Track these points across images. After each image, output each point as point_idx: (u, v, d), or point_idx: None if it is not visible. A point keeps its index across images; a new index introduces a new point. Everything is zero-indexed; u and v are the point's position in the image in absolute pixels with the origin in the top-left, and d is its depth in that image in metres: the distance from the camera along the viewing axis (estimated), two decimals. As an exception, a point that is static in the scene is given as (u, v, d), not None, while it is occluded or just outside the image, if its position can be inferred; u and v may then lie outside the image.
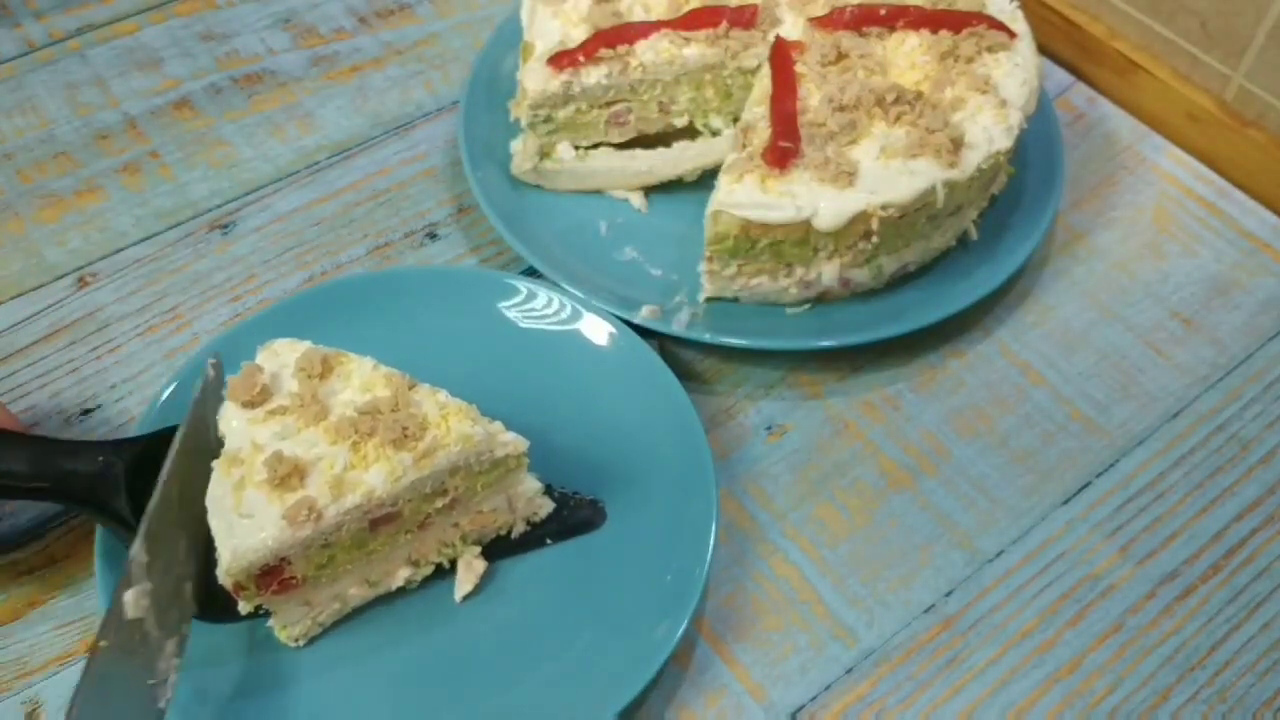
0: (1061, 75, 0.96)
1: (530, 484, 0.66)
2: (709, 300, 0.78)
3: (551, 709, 0.62)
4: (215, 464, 0.60)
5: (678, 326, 0.75)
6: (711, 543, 0.65)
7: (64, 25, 0.99)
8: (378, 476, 0.59)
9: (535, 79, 0.79)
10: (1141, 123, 0.92)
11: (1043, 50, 0.81)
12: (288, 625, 0.63)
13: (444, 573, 0.67)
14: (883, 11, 0.79)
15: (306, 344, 0.64)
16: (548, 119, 0.81)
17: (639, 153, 0.84)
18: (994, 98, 0.75)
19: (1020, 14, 0.81)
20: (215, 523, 0.58)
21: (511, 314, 0.76)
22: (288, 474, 0.58)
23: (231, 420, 0.61)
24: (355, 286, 0.76)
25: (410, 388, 0.62)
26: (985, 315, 0.81)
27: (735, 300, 0.78)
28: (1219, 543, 0.71)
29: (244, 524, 0.58)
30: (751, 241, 0.73)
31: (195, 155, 0.90)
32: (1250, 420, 0.76)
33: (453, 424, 0.61)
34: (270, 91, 0.94)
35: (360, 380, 0.63)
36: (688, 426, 0.70)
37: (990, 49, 0.78)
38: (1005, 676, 0.66)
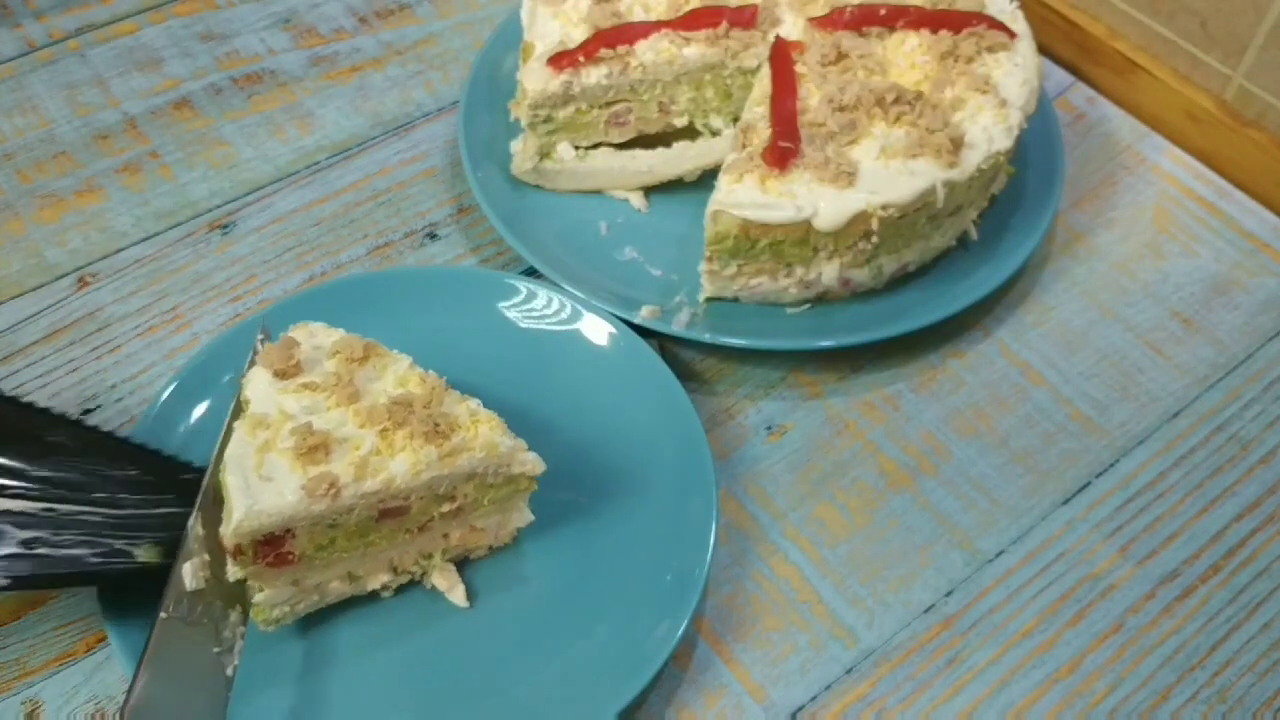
0: (1061, 75, 0.96)
1: (525, 514, 0.66)
2: (709, 300, 0.78)
3: (551, 709, 0.62)
4: (238, 424, 0.60)
5: (678, 326, 0.75)
6: (711, 543, 0.65)
7: (64, 25, 0.99)
8: (401, 466, 0.59)
9: (535, 79, 0.79)
10: (1141, 123, 0.92)
11: (1043, 50, 0.81)
12: (266, 606, 0.62)
13: (419, 582, 0.67)
14: (883, 11, 0.79)
15: (341, 331, 0.65)
16: (548, 119, 0.81)
17: (639, 153, 0.84)
18: (994, 98, 0.75)
19: (1020, 14, 0.81)
20: (232, 479, 0.58)
21: (511, 314, 0.76)
22: (315, 446, 0.59)
23: (260, 384, 0.62)
24: (355, 286, 0.76)
25: (445, 390, 0.63)
26: (985, 315, 0.81)
27: (735, 300, 0.78)
28: (1219, 543, 0.71)
29: (263, 486, 0.58)
30: (751, 241, 0.73)
31: (195, 155, 0.90)
32: (1250, 420, 0.76)
33: (482, 430, 0.61)
34: (270, 91, 0.94)
35: (396, 375, 0.63)
36: (688, 426, 0.70)
37: (990, 49, 0.78)
38: (1005, 676, 0.66)
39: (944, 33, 0.78)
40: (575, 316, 0.75)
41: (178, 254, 0.84)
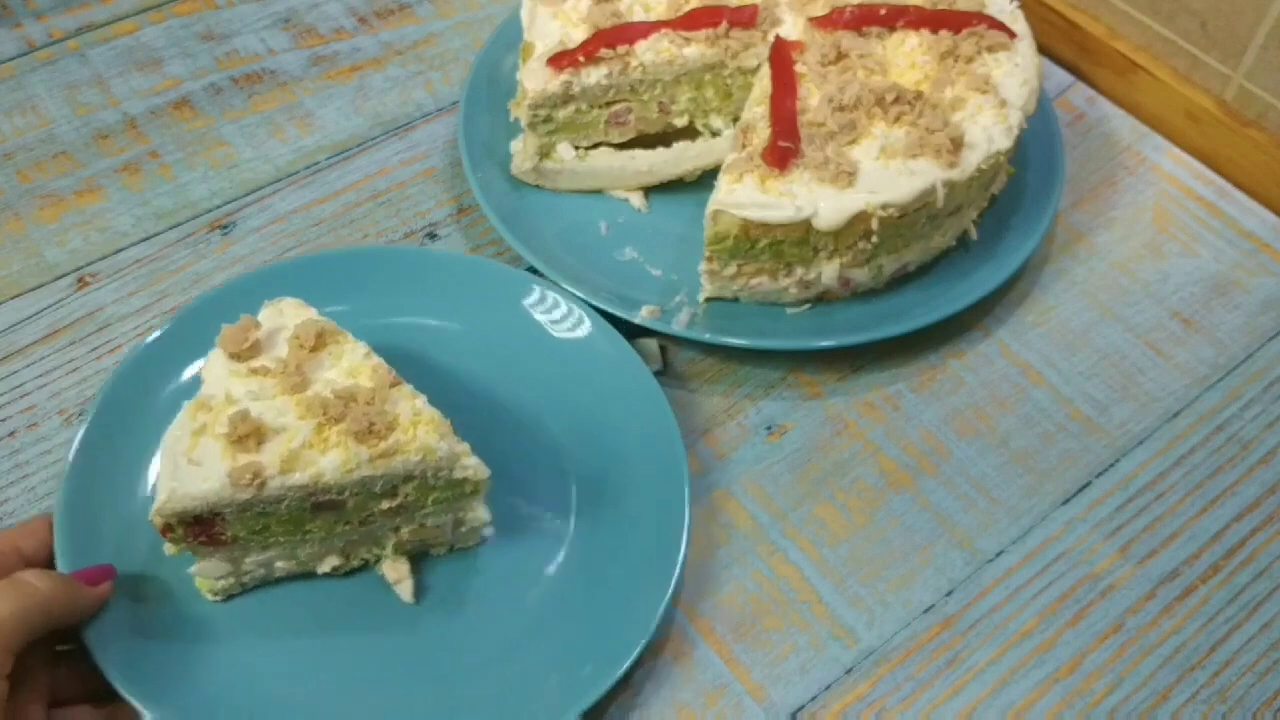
0: (1061, 75, 0.96)
1: (481, 513, 0.65)
2: (709, 300, 0.78)
3: (516, 707, 0.61)
4: (186, 404, 0.60)
5: (678, 326, 0.75)
6: (686, 530, 0.65)
7: (64, 25, 0.99)
8: (331, 462, 0.59)
9: (535, 79, 0.79)
10: (1141, 123, 0.92)
11: (1043, 50, 0.81)
12: (208, 578, 0.62)
13: (373, 566, 0.66)
14: (883, 11, 0.79)
15: (311, 311, 0.64)
16: (548, 119, 0.81)
17: (639, 153, 0.84)
18: (994, 98, 0.75)
19: (1020, 14, 0.81)
20: (164, 460, 0.59)
21: (508, 309, 0.76)
22: (247, 434, 0.58)
23: (215, 367, 0.62)
24: (377, 258, 0.77)
25: (392, 385, 0.61)
26: (985, 315, 0.81)
27: (735, 300, 0.78)
28: (1219, 543, 0.71)
29: (189, 470, 0.58)
30: (751, 241, 0.73)
31: (195, 155, 0.90)
32: (1250, 420, 0.76)
33: (420, 432, 0.60)
34: (270, 91, 0.94)
35: (349, 364, 0.62)
36: (656, 412, 0.69)
37: (990, 49, 0.78)
38: (1005, 676, 0.66)
39: (944, 33, 0.78)
40: (578, 320, 0.75)
41: (178, 254, 0.84)
